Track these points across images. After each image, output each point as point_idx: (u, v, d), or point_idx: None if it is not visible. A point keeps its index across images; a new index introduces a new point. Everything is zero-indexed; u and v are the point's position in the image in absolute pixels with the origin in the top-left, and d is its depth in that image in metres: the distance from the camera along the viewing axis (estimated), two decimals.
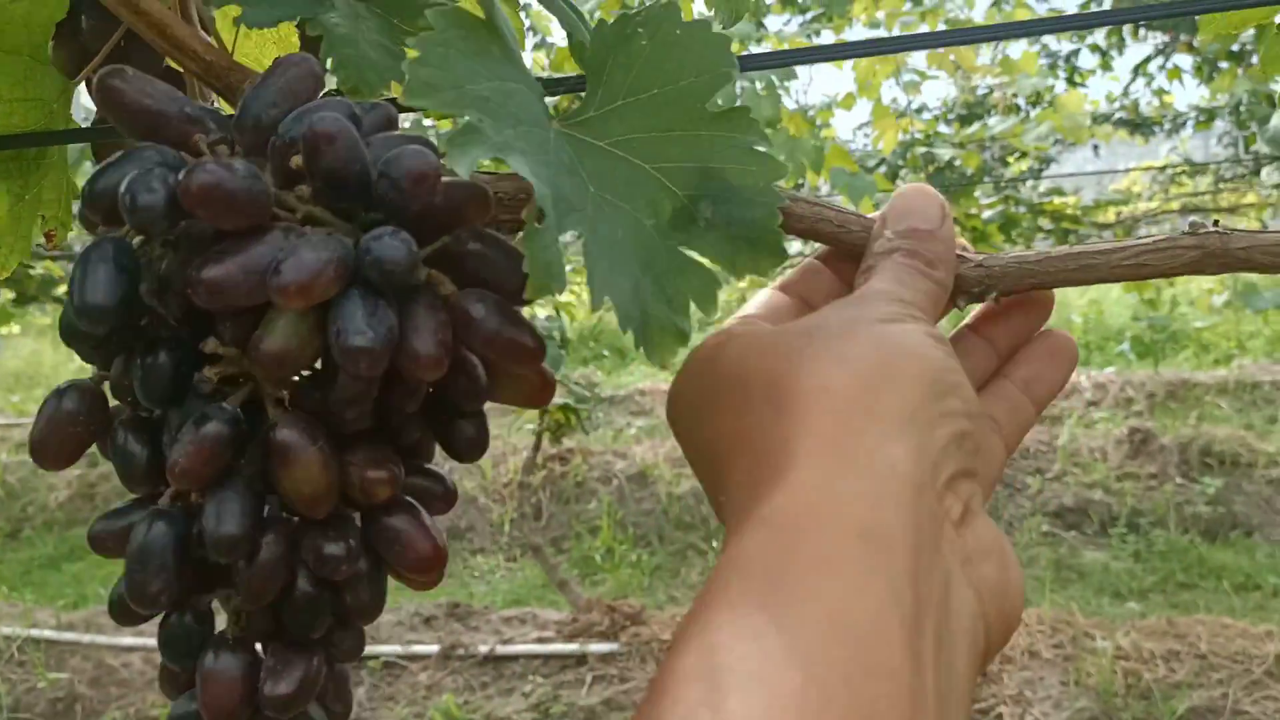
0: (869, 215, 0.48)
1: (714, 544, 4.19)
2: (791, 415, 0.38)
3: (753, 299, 0.50)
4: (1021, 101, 5.01)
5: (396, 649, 3.36)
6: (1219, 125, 5.67)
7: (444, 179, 0.38)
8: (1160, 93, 5.49)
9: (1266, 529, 4.17)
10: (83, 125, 0.57)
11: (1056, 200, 5.16)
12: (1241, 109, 5.04)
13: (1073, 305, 7.13)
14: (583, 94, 0.47)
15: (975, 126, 4.97)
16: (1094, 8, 4.61)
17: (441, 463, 0.46)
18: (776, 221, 0.46)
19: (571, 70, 0.50)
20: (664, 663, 0.34)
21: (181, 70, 0.49)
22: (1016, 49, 4.67)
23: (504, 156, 0.38)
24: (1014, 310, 0.50)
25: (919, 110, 5.05)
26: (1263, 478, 4.36)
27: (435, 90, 0.39)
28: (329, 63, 0.46)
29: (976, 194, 4.76)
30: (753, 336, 0.44)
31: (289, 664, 0.41)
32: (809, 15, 4.03)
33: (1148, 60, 5.13)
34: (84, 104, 0.59)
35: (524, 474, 3.77)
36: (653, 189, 0.45)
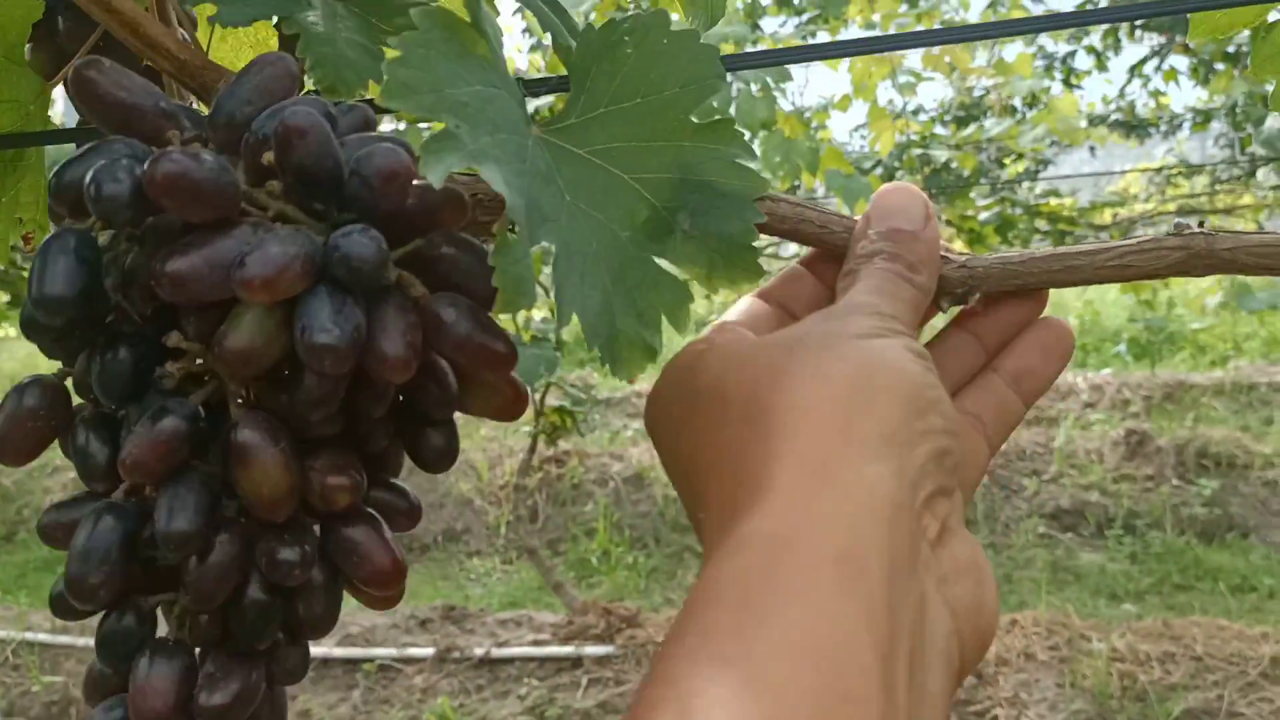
0: (851, 216, 0.48)
1: None
2: (770, 433, 0.38)
3: (734, 306, 0.49)
4: (1018, 103, 5.01)
5: (391, 652, 3.35)
6: (1215, 127, 5.68)
7: (419, 182, 0.38)
8: (1156, 94, 5.49)
9: (1263, 530, 4.17)
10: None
11: (1053, 202, 5.16)
12: (1238, 110, 5.04)
13: (1069, 307, 7.13)
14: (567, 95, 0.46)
15: (971, 128, 4.97)
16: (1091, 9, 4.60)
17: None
18: (754, 237, 0.45)
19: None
20: (639, 691, 0.34)
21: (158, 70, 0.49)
22: (1012, 51, 4.68)
23: (478, 166, 0.38)
24: (1003, 304, 0.48)
25: (915, 112, 5.04)
26: (1259, 479, 4.36)
27: (413, 92, 0.39)
28: (307, 62, 0.46)
29: (973, 196, 4.76)
30: (732, 348, 0.43)
31: (229, 674, 0.39)
32: (804, 17, 4.03)
33: (1144, 61, 5.14)
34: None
35: (520, 476, 3.76)
36: (630, 199, 0.44)
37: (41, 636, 3.44)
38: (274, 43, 0.59)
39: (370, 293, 0.37)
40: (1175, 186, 6.31)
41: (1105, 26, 4.92)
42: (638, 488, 4.58)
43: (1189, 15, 0.56)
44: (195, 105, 0.50)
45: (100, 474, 0.40)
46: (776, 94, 3.00)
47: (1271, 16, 0.58)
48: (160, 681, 0.38)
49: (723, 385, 0.41)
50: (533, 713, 3.06)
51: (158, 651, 0.39)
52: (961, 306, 0.49)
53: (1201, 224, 0.46)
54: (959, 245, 4.35)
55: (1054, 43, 5.32)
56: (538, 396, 3.44)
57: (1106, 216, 5.52)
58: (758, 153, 3.23)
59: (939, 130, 5.07)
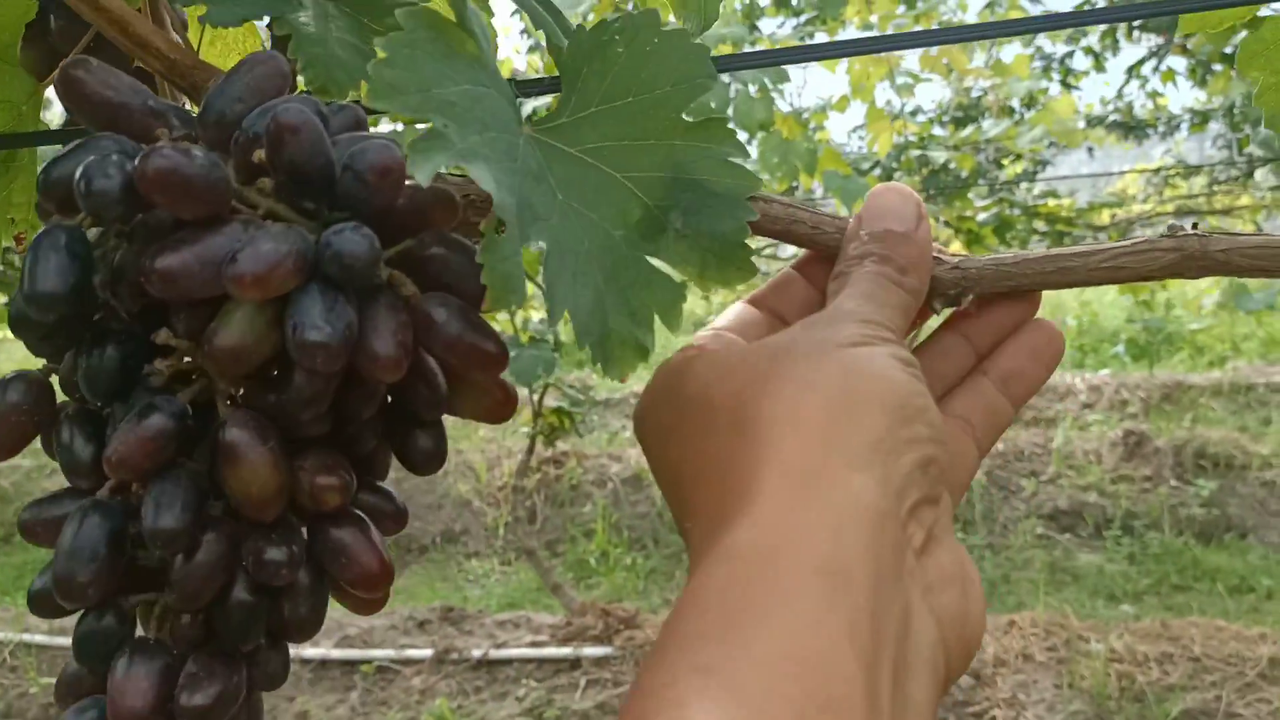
0: (843, 217, 0.48)
1: None
2: (756, 443, 0.38)
3: (725, 312, 0.49)
4: (1016, 104, 5.01)
5: (390, 653, 3.35)
6: (1213, 127, 5.68)
7: (410, 181, 0.38)
8: (1154, 95, 5.49)
9: (1260, 531, 4.17)
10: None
11: (1051, 203, 5.16)
12: (1235, 111, 5.05)
13: (1067, 307, 7.13)
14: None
15: (970, 129, 4.98)
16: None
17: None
18: (747, 235, 0.45)
19: None
20: (625, 701, 0.34)
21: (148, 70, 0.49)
22: (1009, 52, 4.68)
23: (466, 164, 0.37)
24: (996, 306, 0.48)
25: (913, 113, 5.05)
26: (1257, 480, 4.36)
27: (400, 92, 0.38)
28: (298, 63, 0.46)
29: (971, 196, 4.77)
30: (720, 355, 0.43)
31: (211, 674, 0.39)
32: (802, 18, 4.03)
33: (1141, 62, 5.13)
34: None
35: (518, 477, 3.76)
36: (623, 198, 0.44)
37: (39, 638, 3.44)
38: (265, 46, 0.59)
39: (361, 292, 0.37)
40: (1173, 187, 6.31)
41: (1103, 27, 4.92)
42: (636, 489, 4.57)
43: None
44: (186, 104, 0.50)
45: (84, 470, 0.39)
46: (774, 95, 3.00)
47: (1262, 12, 0.58)
48: (140, 680, 0.38)
49: (710, 393, 0.41)
50: (531, 714, 3.06)
51: (137, 651, 0.39)
52: (955, 308, 0.48)
53: (1195, 226, 0.46)
54: (957, 246, 4.36)
55: (1052, 44, 5.32)
56: (536, 398, 3.44)
57: (1105, 217, 5.52)
58: (755, 153, 3.24)
59: (937, 131, 5.07)
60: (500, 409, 0.42)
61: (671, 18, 0.54)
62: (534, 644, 3.36)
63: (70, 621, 0.41)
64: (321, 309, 0.35)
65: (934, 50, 4.20)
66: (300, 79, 0.46)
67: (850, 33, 4.05)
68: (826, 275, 0.47)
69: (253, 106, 0.40)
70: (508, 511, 4.30)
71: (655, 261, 0.44)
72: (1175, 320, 6.48)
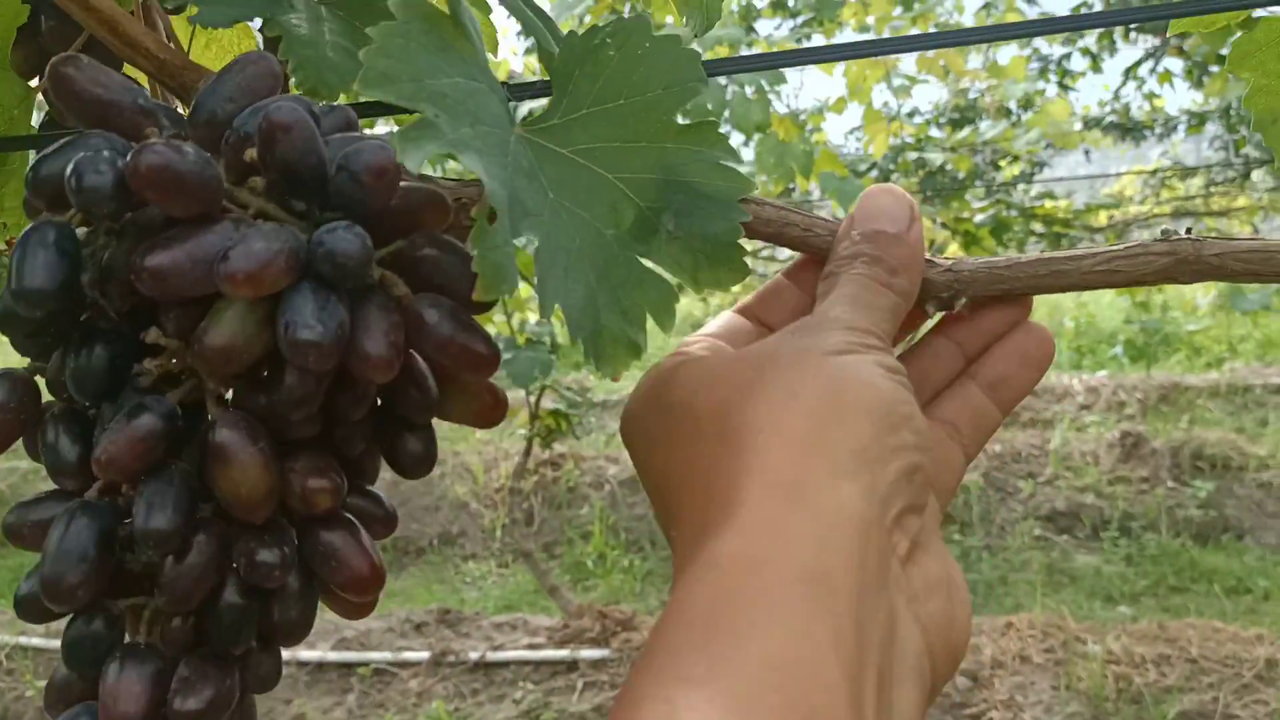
0: (836, 219, 0.47)
1: None
2: (741, 451, 0.38)
3: (713, 320, 0.49)
4: (1013, 105, 5.02)
5: (386, 656, 3.34)
6: (1210, 129, 5.68)
7: (402, 183, 0.37)
8: (1151, 97, 5.50)
9: (1258, 532, 4.17)
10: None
11: (1048, 204, 5.16)
12: (1232, 113, 5.05)
13: (1065, 309, 7.14)
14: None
15: (966, 131, 4.98)
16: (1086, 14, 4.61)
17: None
18: (739, 236, 0.45)
19: None
20: (611, 711, 0.34)
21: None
22: (1006, 54, 4.69)
23: (458, 153, 0.37)
24: (988, 310, 0.48)
25: (910, 115, 5.05)
26: (1254, 481, 4.37)
27: (392, 81, 0.38)
28: (289, 64, 0.45)
29: (968, 198, 4.77)
30: (706, 363, 0.43)
31: (204, 678, 0.38)
32: (799, 20, 4.03)
33: (1138, 64, 5.14)
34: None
35: (515, 479, 3.75)
36: (615, 198, 0.44)
37: (35, 641, 3.43)
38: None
39: (353, 292, 0.37)
40: (1170, 189, 6.31)
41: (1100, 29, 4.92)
42: (633, 490, 4.57)
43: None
44: (177, 106, 0.50)
45: (70, 471, 0.39)
46: (771, 97, 3.00)
47: (1257, 13, 0.58)
48: (132, 685, 0.37)
49: (695, 401, 0.41)
50: (528, 716, 3.06)
51: (129, 655, 0.38)
52: (946, 311, 0.48)
53: (1189, 230, 0.46)
54: (954, 248, 4.36)
55: (1048, 45, 5.32)
56: (533, 399, 3.44)
57: (1102, 219, 5.53)
58: (751, 156, 3.24)
59: (934, 133, 5.07)
60: (490, 413, 0.42)
61: (670, 18, 0.54)
62: (531, 646, 3.36)
63: (41, 623, 0.40)
64: (314, 307, 0.35)
65: (931, 52, 4.21)
66: (291, 81, 0.46)
67: (847, 34, 4.06)
68: (816, 278, 0.47)
69: (244, 106, 0.39)
70: (505, 513, 4.30)
71: (647, 262, 0.44)
72: (1172, 321, 6.49)
